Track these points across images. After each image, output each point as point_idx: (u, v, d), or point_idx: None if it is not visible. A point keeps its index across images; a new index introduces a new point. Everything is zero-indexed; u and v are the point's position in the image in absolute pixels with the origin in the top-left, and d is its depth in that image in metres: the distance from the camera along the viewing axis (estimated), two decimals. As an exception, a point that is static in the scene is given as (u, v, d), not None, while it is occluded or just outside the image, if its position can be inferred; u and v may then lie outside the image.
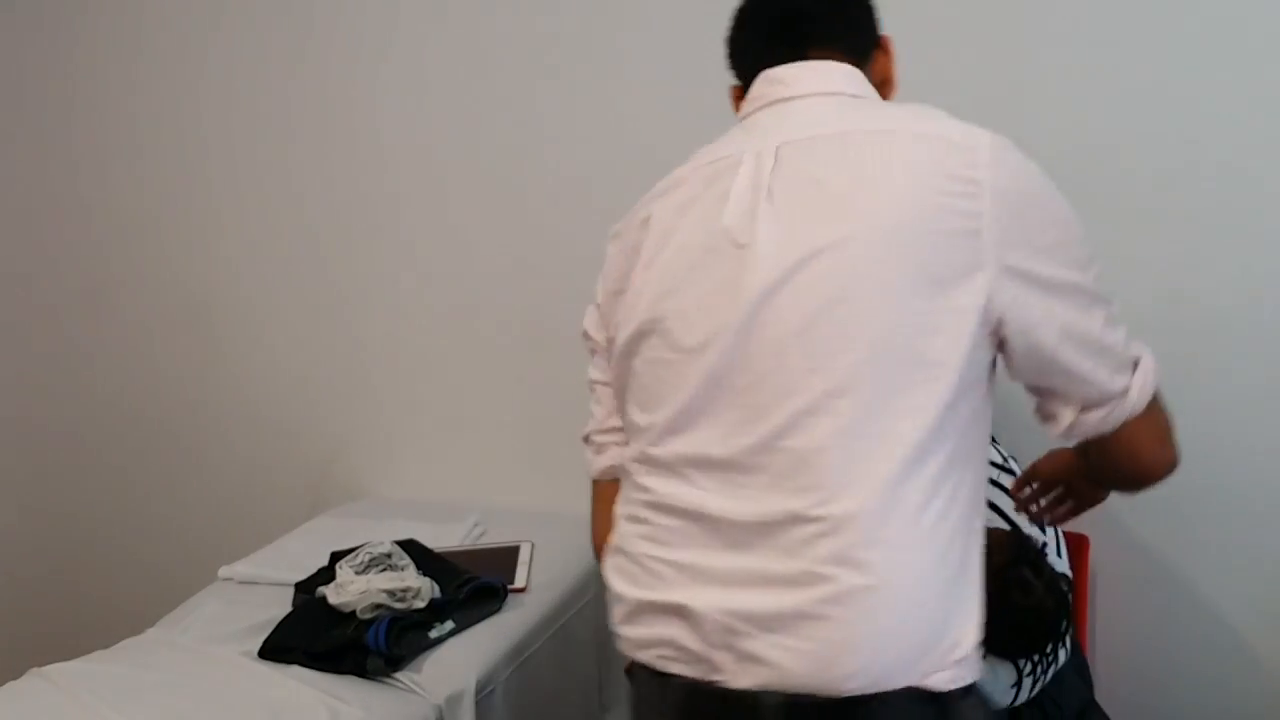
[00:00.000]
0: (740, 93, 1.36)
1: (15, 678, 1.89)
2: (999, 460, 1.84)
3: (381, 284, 2.59)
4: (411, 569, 1.97)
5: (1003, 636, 1.60)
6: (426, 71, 2.44)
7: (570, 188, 2.36)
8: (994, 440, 1.87)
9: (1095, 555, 1.97)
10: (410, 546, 2.08)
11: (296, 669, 1.85)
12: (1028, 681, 1.65)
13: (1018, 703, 1.66)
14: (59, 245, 2.90)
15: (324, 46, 2.52)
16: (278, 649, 1.90)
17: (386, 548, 2.01)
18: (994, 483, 1.80)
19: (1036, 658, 1.67)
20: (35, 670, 1.89)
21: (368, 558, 1.97)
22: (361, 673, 1.83)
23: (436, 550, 2.14)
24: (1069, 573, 1.81)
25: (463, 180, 2.46)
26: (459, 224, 2.48)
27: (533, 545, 2.24)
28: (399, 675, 1.83)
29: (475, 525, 2.39)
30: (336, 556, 2.06)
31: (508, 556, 2.20)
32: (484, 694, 1.87)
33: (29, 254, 2.94)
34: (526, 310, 2.45)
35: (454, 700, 1.82)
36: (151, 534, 2.93)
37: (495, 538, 2.33)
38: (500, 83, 2.37)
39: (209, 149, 2.68)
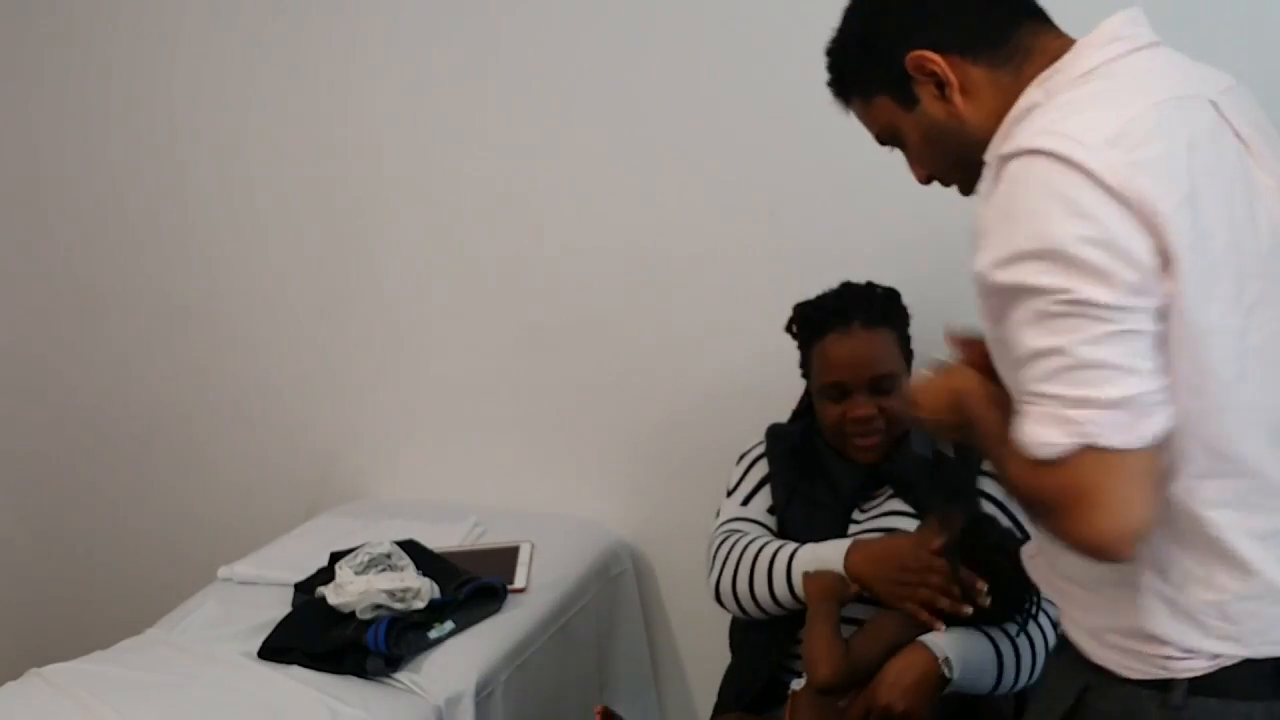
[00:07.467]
0: (946, 60, 1.20)
1: (15, 678, 1.89)
2: None
3: (381, 284, 2.59)
4: (411, 569, 1.96)
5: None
6: (425, 73, 2.43)
7: (570, 189, 2.36)
8: None
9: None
10: (410, 546, 2.08)
11: (296, 669, 1.85)
12: (1009, 658, 1.64)
13: (1000, 688, 1.65)
14: (56, 247, 2.89)
15: (321, 49, 2.51)
16: (277, 649, 1.90)
17: (386, 548, 2.01)
18: (985, 473, 1.81)
19: (1015, 632, 1.66)
20: (34, 670, 1.89)
21: (367, 558, 1.96)
22: (361, 673, 1.83)
23: (436, 550, 2.14)
24: None
25: (462, 181, 2.45)
26: (458, 224, 2.48)
27: (532, 545, 2.24)
28: (399, 675, 1.83)
29: (475, 525, 2.39)
30: (336, 556, 2.06)
31: (507, 556, 2.20)
32: (484, 694, 1.87)
33: (26, 255, 2.93)
34: (526, 310, 2.45)
35: (454, 700, 1.82)
36: (151, 534, 2.92)
37: (495, 538, 2.33)
38: (499, 84, 2.37)
39: (209, 150, 2.67)
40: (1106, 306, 1.02)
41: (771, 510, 1.91)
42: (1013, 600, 1.65)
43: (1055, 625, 1.71)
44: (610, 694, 2.33)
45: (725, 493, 1.97)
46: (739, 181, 2.21)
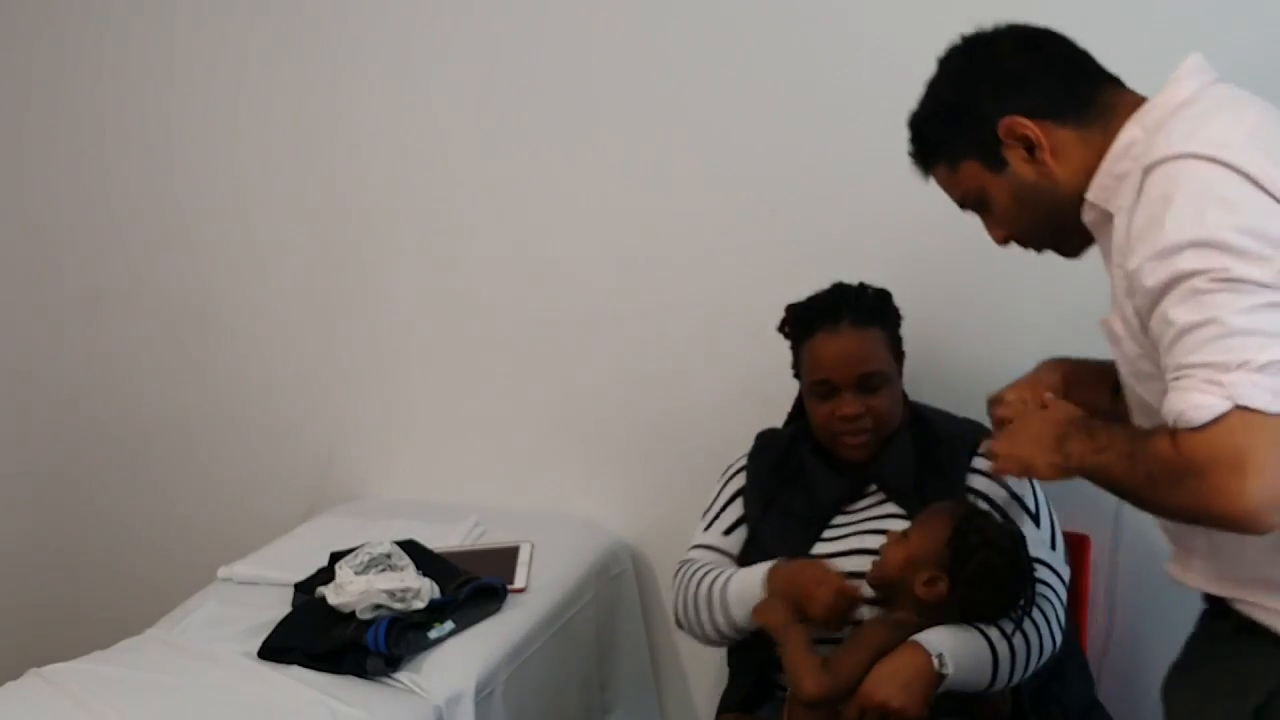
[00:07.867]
0: (1037, 124, 1.28)
1: (15, 678, 1.89)
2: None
3: (379, 283, 2.59)
4: (411, 569, 1.96)
5: (969, 592, 1.61)
6: (425, 71, 2.43)
7: (569, 189, 2.36)
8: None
9: (1095, 555, 1.97)
10: (410, 546, 2.08)
11: (296, 669, 1.85)
12: (1005, 655, 1.64)
13: (997, 684, 1.65)
14: (58, 247, 2.89)
15: (323, 48, 2.51)
16: (277, 649, 1.90)
17: (386, 548, 2.00)
18: (977, 471, 1.81)
19: (1011, 629, 1.65)
20: (34, 670, 1.89)
21: (367, 558, 1.96)
22: (361, 673, 1.83)
23: (436, 550, 2.14)
24: (1067, 568, 1.80)
25: (459, 180, 2.45)
26: (456, 224, 2.48)
27: (533, 545, 2.24)
28: (399, 675, 1.83)
29: (475, 525, 2.39)
30: (336, 556, 2.05)
31: (507, 556, 2.20)
32: (484, 694, 1.87)
33: (28, 255, 2.93)
34: (526, 310, 2.45)
35: (454, 700, 1.82)
36: (151, 534, 2.92)
37: (495, 538, 2.33)
38: (494, 85, 2.37)
39: (203, 153, 2.67)
40: (1258, 283, 1.08)
41: (730, 530, 1.94)
42: (1008, 596, 1.65)
43: (1049, 621, 1.71)
44: (610, 694, 2.34)
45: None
46: (739, 181, 2.21)
